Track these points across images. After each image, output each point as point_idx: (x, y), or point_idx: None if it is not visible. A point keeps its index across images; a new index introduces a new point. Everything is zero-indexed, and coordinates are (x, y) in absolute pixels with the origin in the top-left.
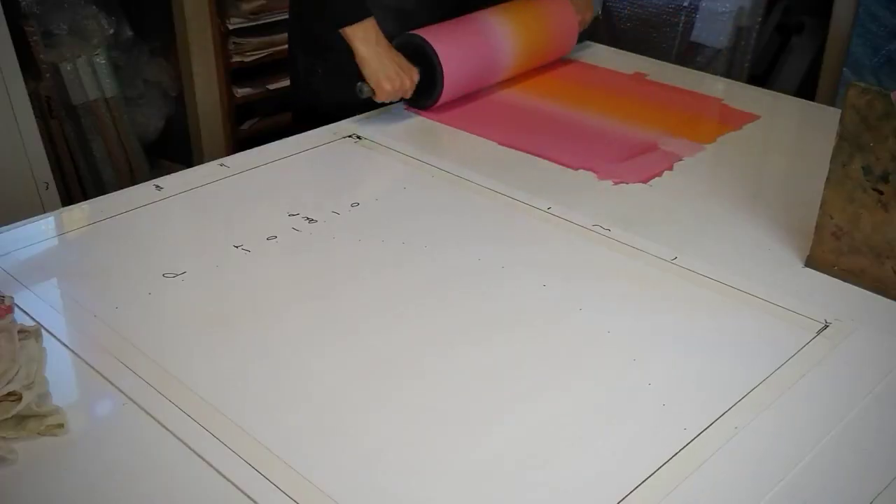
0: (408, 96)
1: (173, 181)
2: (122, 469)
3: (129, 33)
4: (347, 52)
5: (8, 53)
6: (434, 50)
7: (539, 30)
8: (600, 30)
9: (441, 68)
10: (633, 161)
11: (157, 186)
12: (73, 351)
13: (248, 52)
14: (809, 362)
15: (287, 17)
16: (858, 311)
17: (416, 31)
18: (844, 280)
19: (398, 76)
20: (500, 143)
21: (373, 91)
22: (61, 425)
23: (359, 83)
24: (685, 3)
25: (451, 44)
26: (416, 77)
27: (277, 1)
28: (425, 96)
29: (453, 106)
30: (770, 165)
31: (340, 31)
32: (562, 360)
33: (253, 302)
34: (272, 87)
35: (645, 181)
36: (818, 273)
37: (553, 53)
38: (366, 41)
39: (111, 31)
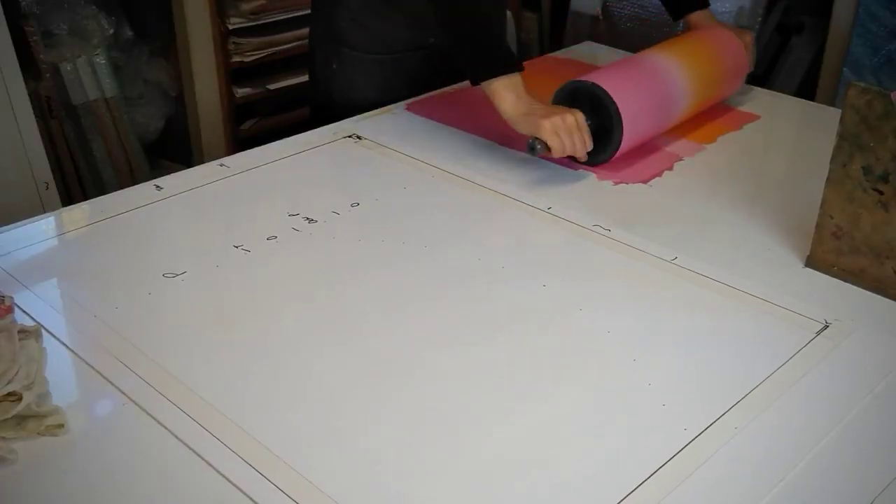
0: (586, 150)
1: (173, 181)
2: (122, 469)
3: (129, 33)
4: (362, 49)
5: (8, 53)
6: (612, 98)
7: (714, 71)
8: (600, 30)
9: (620, 119)
10: (633, 161)
11: (157, 186)
12: (73, 351)
13: (248, 52)
14: (809, 362)
15: (308, 12)
16: (858, 311)
17: (584, 78)
18: (844, 280)
19: (571, 129)
20: (501, 143)
21: (546, 146)
22: (61, 425)
23: (530, 139)
24: None
25: (628, 91)
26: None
27: (277, 1)
28: (595, 151)
29: (453, 106)
30: (770, 165)
31: (483, 85)
32: (562, 361)
33: (253, 302)
34: (272, 86)
35: (645, 181)
36: (818, 273)
37: (723, 96)
38: (516, 98)
39: (111, 31)
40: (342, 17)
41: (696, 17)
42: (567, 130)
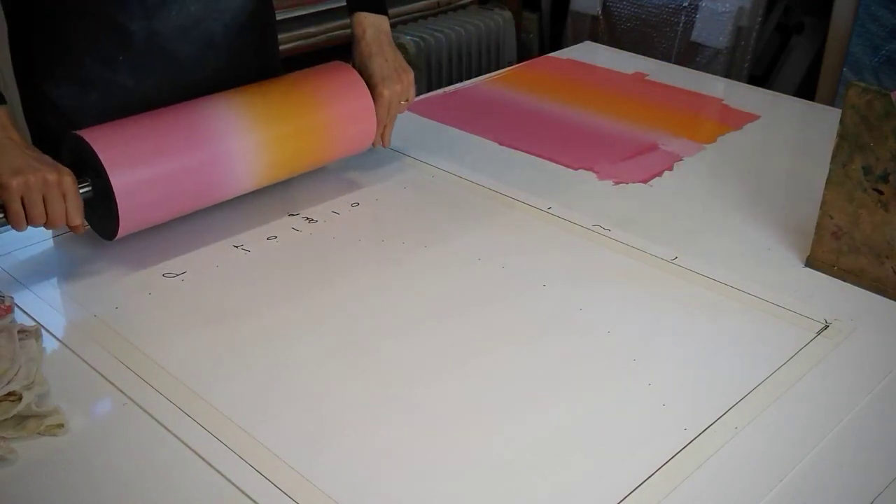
0: (64, 221)
1: None
2: (122, 469)
3: None
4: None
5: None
6: (99, 158)
7: (296, 131)
8: (600, 30)
9: (110, 183)
10: (633, 161)
11: None
12: (73, 351)
13: None
14: (809, 362)
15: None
16: (858, 311)
17: (79, 132)
18: (844, 280)
19: (51, 192)
20: (500, 143)
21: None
22: (61, 425)
23: None
24: (685, 3)
25: (136, 144)
26: (71, 184)
27: (278, 1)
28: (101, 223)
29: (453, 106)
30: (770, 165)
31: None
32: (562, 361)
33: (253, 302)
34: None
35: (645, 181)
36: (818, 273)
37: (335, 149)
38: None
39: None
40: (51, 116)
41: (366, 19)
42: (37, 193)
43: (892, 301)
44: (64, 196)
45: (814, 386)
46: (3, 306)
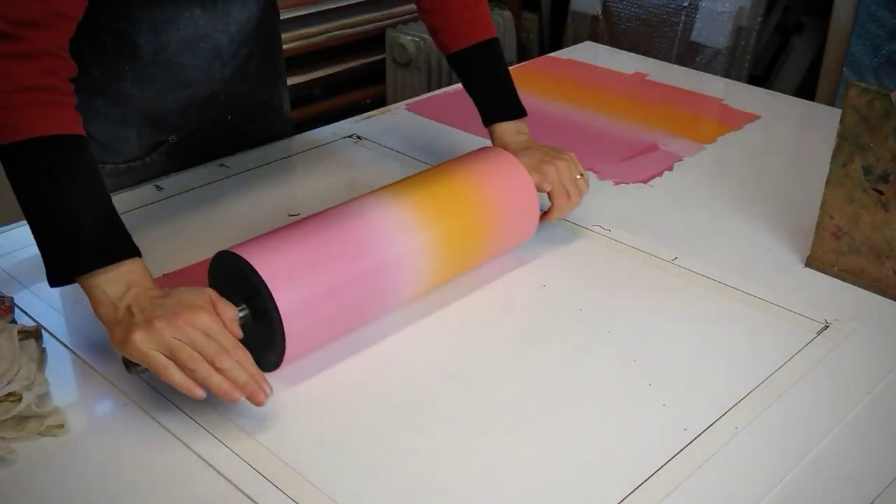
0: (237, 353)
1: (173, 181)
2: (122, 469)
3: None
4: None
5: None
6: (265, 283)
7: (471, 232)
8: (600, 30)
9: (279, 315)
10: (633, 161)
11: (158, 187)
12: (72, 351)
13: None
14: (809, 362)
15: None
16: (858, 311)
17: (235, 249)
18: (844, 280)
19: (196, 341)
20: None
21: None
22: (61, 425)
23: (126, 362)
24: (685, 3)
25: (307, 274)
26: (234, 324)
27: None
28: (262, 350)
29: (453, 106)
30: (770, 165)
31: (80, 281)
32: (561, 361)
33: None
34: None
35: (645, 181)
36: (818, 273)
37: (502, 243)
38: (120, 293)
39: None
40: None
41: (504, 128)
42: (174, 339)
43: (892, 301)
44: (209, 334)
45: (814, 386)
46: (3, 306)
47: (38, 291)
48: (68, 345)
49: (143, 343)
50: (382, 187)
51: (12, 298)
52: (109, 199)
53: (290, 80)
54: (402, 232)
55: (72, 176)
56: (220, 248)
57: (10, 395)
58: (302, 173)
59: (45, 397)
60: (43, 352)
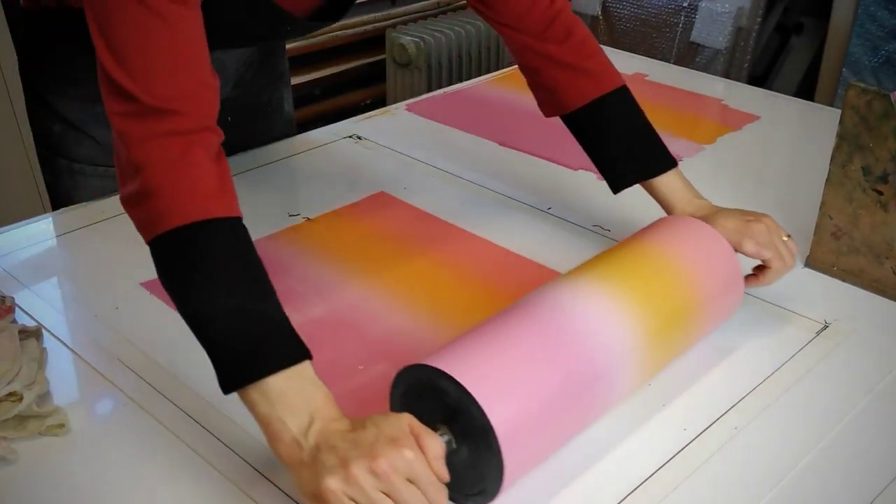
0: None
1: None
2: (122, 469)
3: None
4: (85, 161)
5: (9, 53)
6: (480, 407)
7: (682, 319)
8: (600, 30)
9: (497, 444)
10: None
11: None
12: (73, 351)
13: None
14: (809, 362)
15: None
16: (858, 311)
17: (430, 363)
18: (844, 280)
19: (393, 483)
20: (500, 144)
21: None
22: (62, 425)
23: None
24: (685, 4)
25: (524, 399)
26: (440, 462)
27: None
28: (468, 480)
29: (453, 106)
30: (769, 166)
31: (255, 408)
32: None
33: None
34: None
35: None
36: (818, 273)
37: (707, 327)
38: (304, 426)
39: None
40: (55, 123)
41: (669, 197)
42: (376, 490)
43: (891, 301)
44: (413, 479)
45: (814, 386)
46: (3, 306)
47: (38, 291)
48: (69, 345)
49: (338, 493)
50: (579, 269)
51: (13, 298)
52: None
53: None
54: (611, 329)
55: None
56: None
57: (10, 394)
58: (302, 173)
59: (45, 397)
60: (44, 352)
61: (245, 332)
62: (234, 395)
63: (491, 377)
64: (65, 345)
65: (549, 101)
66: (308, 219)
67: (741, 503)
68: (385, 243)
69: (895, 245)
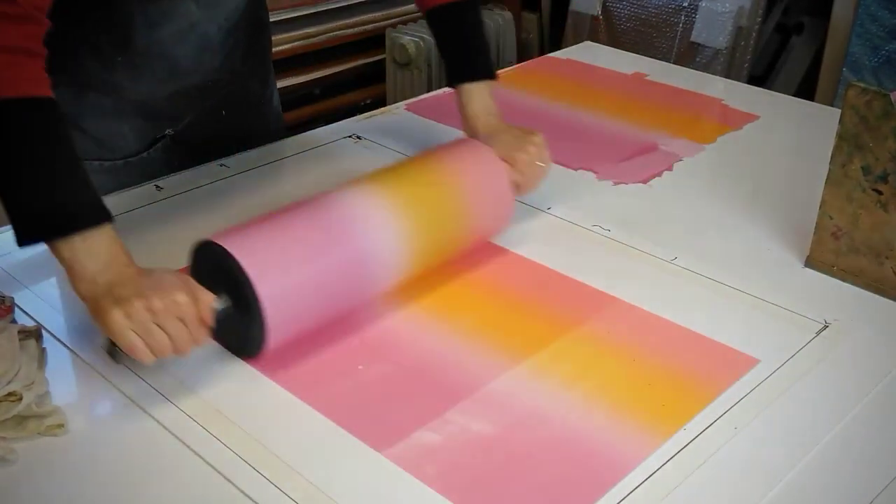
0: (191, 346)
1: (173, 181)
2: (122, 469)
3: None
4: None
5: None
6: (245, 272)
7: (445, 221)
8: (600, 30)
9: (259, 303)
10: (633, 161)
11: (158, 187)
12: (72, 351)
13: None
14: (809, 362)
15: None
16: (858, 311)
17: (215, 238)
18: (844, 280)
19: (166, 319)
20: None
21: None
22: (61, 425)
23: (104, 337)
24: (685, 4)
25: (288, 262)
26: (208, 312)
27: (278, 1)
28: (241, 340)
29: (453, 106)
30: (770, 165)
31: (51, 247)
32: (561, 361)
33: None
34: None
35: (645, 181)
36: (818, 273)
37: (479, 235)
38: (100, 268)
39: None
40: None
41: (472, 97)
42: (151, 322)
43: (891, 301)
44: (181, 318)
45: (813, 386)
46: (3, 306)
47: (38, 291)
48: (68, 345)
49: (121, 323)
50: (361, 177)
51: (13, 298)
52: (82, 163)
53: (292, 80)
54: (381, 222)
55: (56, 138)
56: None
57: (10, 394)
58: (302, 173)
59: (45, 397)
60: (43, 352)
61: (53, 197)
62: (235, 396)
63: (259, 250)
64: (64, 345)
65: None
66: None
67: (741, 503)
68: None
69: (895, 245)
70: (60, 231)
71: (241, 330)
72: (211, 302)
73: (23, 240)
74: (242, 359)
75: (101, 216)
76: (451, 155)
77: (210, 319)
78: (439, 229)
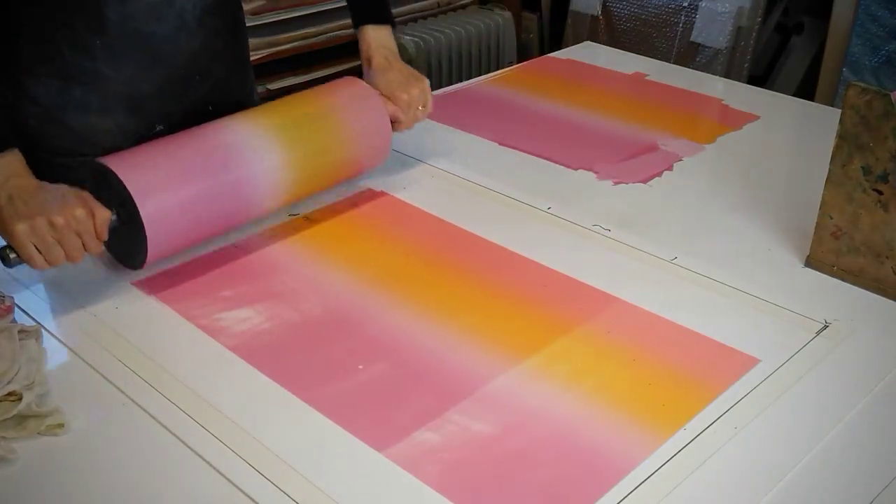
0: (94, 251)
1: None
2: (122, 469)
3: None
4: (66, 153)
5: None
6: (125, 185)
7: (321, 149)
8: (600, 30)
9: (138, 211)
10: (633, 161)
11: None
12: (73, 351)
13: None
14: (809, 362)
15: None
16: (858, 311)
17: (101, 159)
18: (844, 280)
19: (63, 233)
20: (500, 144)
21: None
22: (61, 425)
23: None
24: (685, 3)
25: (171, 181)
26: (104, 225)
27: (278, 1)
28: (127, 251)
29: (453, 106)
30: (770, 165)
31: None
32: (561, 361)
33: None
34: (272, 87)
35: (645, 181)
36: (818, 273)
37: (356, 164)
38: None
39: None
40: (31, 115)
41: (371, 35)
42: (51, 236)
43: (891, 301)
44: (79, 233)
45: (813, 386)
46: (3, 306)
47: (38, 291)
48: (68, 345)
49: (24, 236)
50: (246, 111)
51: (13, 298)
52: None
53: (290, 81)
54: (258, 144)
55: None
56: (220, 247)
57: (10, 394)
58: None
59: (45, 397)
60: (43, 352)
61: None
62: (235, 396)
63: (142, 169)
64: (64, 345)
65: None
66: (308, 218)
67: (741, 503)
68: (384, 243)
69: (895, 245)
70: None
71: (127, 242)
72: (107, 217)
73: None
74: (128, 267)
75: (2, 144)
76: (330, 89)
77: (105, 233)
78: (315, 154)
